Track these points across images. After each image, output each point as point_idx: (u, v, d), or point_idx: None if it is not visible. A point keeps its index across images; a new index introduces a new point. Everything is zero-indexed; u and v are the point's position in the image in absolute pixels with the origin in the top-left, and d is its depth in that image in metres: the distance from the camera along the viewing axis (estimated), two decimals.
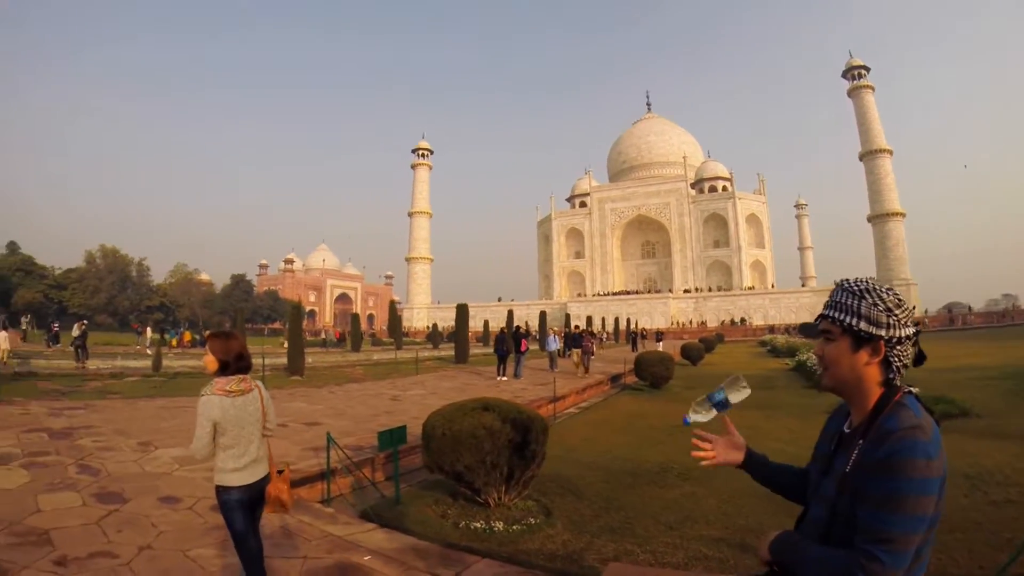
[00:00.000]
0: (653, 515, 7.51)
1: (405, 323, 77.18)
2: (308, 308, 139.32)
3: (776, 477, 2.27)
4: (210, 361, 4.03)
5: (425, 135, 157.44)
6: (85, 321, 32.39)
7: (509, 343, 23.55)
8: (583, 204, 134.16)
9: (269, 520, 6.26)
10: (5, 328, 25.55)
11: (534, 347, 38.28)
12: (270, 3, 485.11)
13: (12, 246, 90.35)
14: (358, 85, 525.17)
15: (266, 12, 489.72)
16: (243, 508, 4.06)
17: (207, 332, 4.72)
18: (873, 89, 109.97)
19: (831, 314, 1.92)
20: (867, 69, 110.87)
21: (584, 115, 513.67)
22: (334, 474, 8.33)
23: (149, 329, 48.52)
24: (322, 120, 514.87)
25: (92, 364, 24.90)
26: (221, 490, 4.04)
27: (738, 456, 2.29)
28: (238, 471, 4.02)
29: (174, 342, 47.53)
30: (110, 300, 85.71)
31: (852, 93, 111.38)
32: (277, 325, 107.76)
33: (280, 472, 4.31)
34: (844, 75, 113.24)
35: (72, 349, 26.57)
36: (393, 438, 8.09)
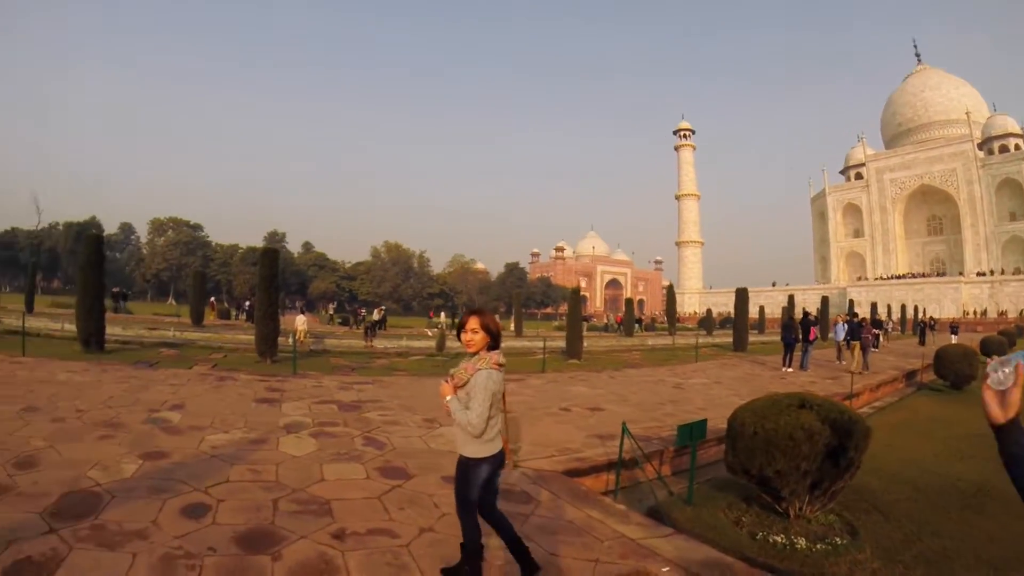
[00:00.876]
0: (973, 549, 6.20)
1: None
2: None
3: None
4: (481, 338, 3.98)
5: (685, 115, 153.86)
6: (384, 307, 35.22)
7: (797, 331, 21.62)
8: (859, 176, 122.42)
9: (556, 513, 5.83)
10: (303, 312, 28.07)
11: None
12: None
13: (307, 245, 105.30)
14: (618, 69, 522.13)
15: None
16: (485, 479, 4.11)
17: (467, 310, 4.41)
18: None
19: None
20: None
21: (849, 73, 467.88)
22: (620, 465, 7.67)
23: (443, 313, 51.74)
24: (585, 106, 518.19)
25: (379, 343, 26.39)
26: (474, 463, 4.05)
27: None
28: (492, 441, 4.05)
29: None
30: (395, 288, 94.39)
31: None
32: (549, 310, 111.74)
33: None
34: None
35: (362, 329, 28.71)
36: (693, 433, 7.26)
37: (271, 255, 18.59)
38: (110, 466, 6.45)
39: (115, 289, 52.42)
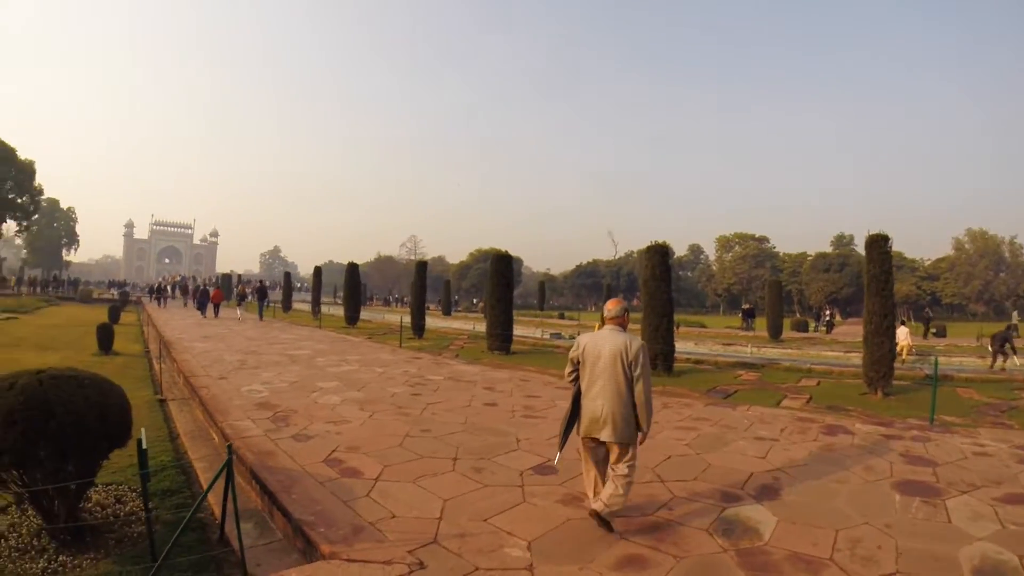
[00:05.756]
0: None
1: None
2: None
3: None
4: None
5: None
6: None
7: None
8: None
9: None
10: (904, 323, 22.41)
11: None
12: None
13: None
14: None
15: None
16: None
17: None
18: None
19: None
20: None
21: None
22: None
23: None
24: None
25: (1015, 363, 19.99)
26: None
27: None
28: None
29: None
30: (985, 286, 79.05)
31: None
32: None
33: None
34: None
35: (991, 349, 21.55)
36: None
37: (879, 244, 13.19)
38: None
39: (745, 306, 51.24)
